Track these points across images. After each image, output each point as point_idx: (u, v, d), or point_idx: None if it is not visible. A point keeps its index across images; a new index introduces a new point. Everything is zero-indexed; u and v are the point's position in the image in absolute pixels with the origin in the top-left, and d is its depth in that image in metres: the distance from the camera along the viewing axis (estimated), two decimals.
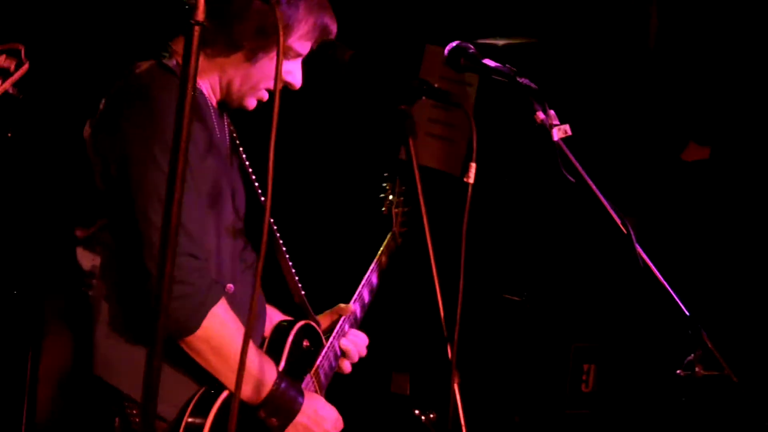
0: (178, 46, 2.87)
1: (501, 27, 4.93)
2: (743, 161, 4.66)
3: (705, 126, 4.76)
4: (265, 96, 2.93)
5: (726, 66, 4.71)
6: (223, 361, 2.75)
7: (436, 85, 2.38)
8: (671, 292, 2.89)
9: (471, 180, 2.31)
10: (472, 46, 2.90)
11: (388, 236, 3.50)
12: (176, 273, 2.60)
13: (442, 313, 2.30)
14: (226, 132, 2.99)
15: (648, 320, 4.70)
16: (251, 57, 2.81)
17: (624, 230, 2.85)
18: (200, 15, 1.53)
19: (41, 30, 4.77)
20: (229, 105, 2.96)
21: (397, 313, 3.75)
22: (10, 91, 2.74)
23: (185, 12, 2.73)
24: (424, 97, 2.47)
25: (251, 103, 2.93)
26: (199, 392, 2.78)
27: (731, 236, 4.67)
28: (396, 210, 3.50)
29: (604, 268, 4.78)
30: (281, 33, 1.56)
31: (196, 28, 1.52)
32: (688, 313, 2.89)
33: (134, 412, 2.74)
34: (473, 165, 2.31)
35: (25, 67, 2.72)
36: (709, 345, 2.93)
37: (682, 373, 2.92)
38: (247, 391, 2.81)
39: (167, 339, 2.67)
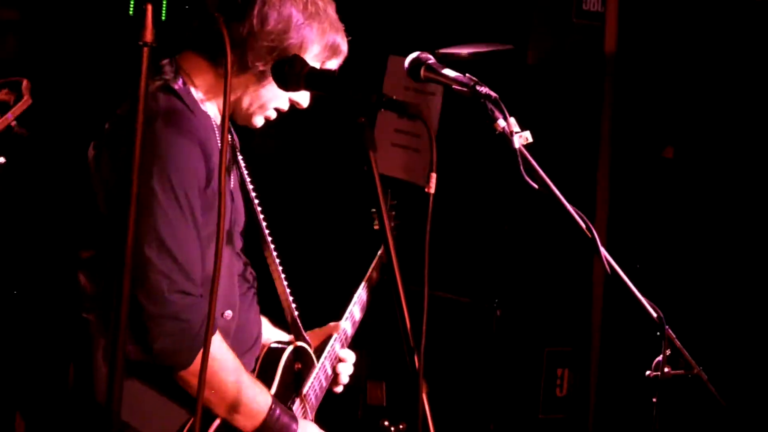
0: (186, 63, 2.84)
1: (466, 35, 4.95)
2: (707, 161, 4.70)
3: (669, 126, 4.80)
4: (273, 115, 2.92)
5: (688, 66, 4.75)
6: (215, 394, 2.75)
7: (394, 97, 2.39)
8: (637, 294, 2.92)
9: (432, 190, 2.32)
10: (431, 57, 2.92)
11: (380, 251, 3.49)
12: (169, 309, 2.62)
13: (408, 323, 2.30)
14: (230, 150, 2.98)
15: (618, 322, 4.72)
16: (262, 78, 2.79)
17: (589, 234, 2.88)
18: (149, 36, 1.52)
19: (48, 44, 4.79)
20: (235, 122, 2.95)
21: (371, 323, 3.75)
22: (13, 126, 2.68)
23: (193, 24, 2.73)
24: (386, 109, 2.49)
25: (258, 122, 2.92)
26: (191, 420, 2.76)
27: (698, 236, 4.70)
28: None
29: (574, 272, 4.81)
30: (228, 48, 1.57)
31: (145, 49, 1.51)
32: (654, 315, 2.92)
33: None
34: (433, 175, 2.31)
35: (26, 101, 2.66)
36: (677, 345, 2.95)
37: (651, 374, 2.95)
38: (241, 420, 2.81)
39: (160, 368, 2.68)
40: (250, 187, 3.08)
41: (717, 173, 4.68)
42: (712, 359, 3.16)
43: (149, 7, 1.59)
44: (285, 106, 2.92)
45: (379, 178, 2.33)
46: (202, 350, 2.65)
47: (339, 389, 3.34)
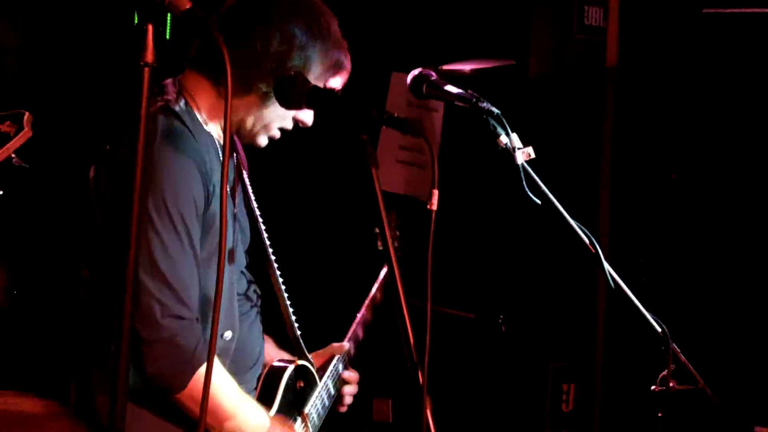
0: (188, 83, 2.84)
1: (468, 51, 4.96)
2: (710, 174, 4.70)
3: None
4: (278, 134, 2.91)
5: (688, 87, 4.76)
6: (211, 416, 2.73)
7: (395, 113, 2.39)
8: (641, 308, 2.92)
9: (434, 207, 2.32)
10: (433, 73, 2.93)
11: (383, 271, 3.49)
12: (162, 334, 2.63)
13: (411, 339, 2.30)
14: (233, 167, 2.97)
15: (623, 337, 4.72)
16: (265, 99, 2.79)
17: (592, 249, 2.88)
18: (149, 56, 1.53)
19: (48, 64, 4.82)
20: (240, 141, 2.96)
21: (378, 339, 3.76)
22: (13, 158, 2.68)
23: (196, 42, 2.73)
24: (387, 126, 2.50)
25: (263, 142, 2.91)
26: None
27: (702, 248, 4.70)
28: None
29: (578, 287, 4.80)
30: (228, 68, 1.58)
31: (146, 69, 1.51)
32: (659, 329, 2.92)
33: None
34: (435, 192, 2.32)
35: (26, 133, 2.65)
36: (682, 359, 2.95)
37: (656, 389, 2.95)
38: None
39: (157, 390, 2.69)
40: (255, 205, 3.09)
41: (721, 186, 4.67)
42: (718, 372, 3.15)
43: (150, 27, 1.59)
44: (289, 126, 2.92)
45: (383, 196, 2.34)
46: (197, 372, 2.66)
47: (343, 409, 3.33)
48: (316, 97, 2.52)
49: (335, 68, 2.86)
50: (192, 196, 2.68)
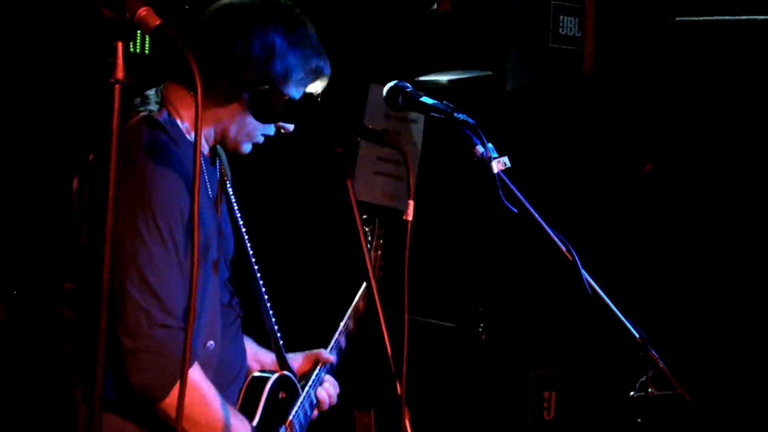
0: (170, 94, 2.85)
1: (445, 63, 4.99)
2: (690, 180, 4.73)
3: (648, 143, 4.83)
4: (261, 141, 2.94)
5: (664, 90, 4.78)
6: (194, 425, 2.74)
7: (370, 126, 2.41)
8: (619, 314, 2.94)
9: (409, 218, 2.34)
10: (409, 85, 2.95)
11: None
12: (148, 344, 2.63)
13: (389, 350, 2.32)
14: (217, 179, 2.99)
15: (604, 344, 4.74)
16: (248, 107, 2.78)
17: (569, 257, 2.90)
18: (120, 73, 1.55)
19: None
20: (224, 148, 2.97)
21: (359, 350, 3.77)
22: None
23: (178, 54, 2.75)
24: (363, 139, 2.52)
25: (246, 149, 2.93)
26: None
27: (684, 254, 4.73)
28: (374, 254, 3.50)
29: (558, 295, 4.82)
30: (198, 82, 1.60)
31: (117, 86, 1.53)
32: (637, 335, 2.94)
33: None
34: (411, 202, 2.34)
35: None
36: (660, 365, 2.97)
37: (635, 395, 2.97)
38: None
39: (139, 399, 2.68)
40: (238, 216, 3.10)
41: (700, 192, 4.70)
42: (700, 375, 3.18)
43: (119, 45, 1.61)
44: (272, 132, 2.94)
45: (361, 207, 2.36)
46: (179, 381, 2.67)
47: (314, 416, 3.32)
48: (291, 111, 2.54)
49: (316, 74, 2.89)
50: (178, 207, 2.70)
